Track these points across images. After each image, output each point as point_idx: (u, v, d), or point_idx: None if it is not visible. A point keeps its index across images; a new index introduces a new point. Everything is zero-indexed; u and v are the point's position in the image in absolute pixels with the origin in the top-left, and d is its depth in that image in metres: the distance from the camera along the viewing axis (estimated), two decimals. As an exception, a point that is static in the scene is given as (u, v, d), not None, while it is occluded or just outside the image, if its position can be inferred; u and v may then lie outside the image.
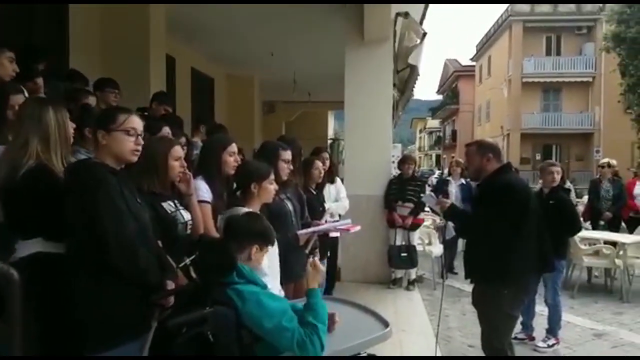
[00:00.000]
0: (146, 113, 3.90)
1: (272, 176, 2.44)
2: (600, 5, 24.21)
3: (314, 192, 3.94)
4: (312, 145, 5.27)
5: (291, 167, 2.95)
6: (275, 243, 2.39)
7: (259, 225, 2.05)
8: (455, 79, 43.88)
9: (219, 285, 1.88)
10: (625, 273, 6.07)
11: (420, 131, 67.21)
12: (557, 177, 4.46)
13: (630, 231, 7.02)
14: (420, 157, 65.94)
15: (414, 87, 9.17)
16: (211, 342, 1.73)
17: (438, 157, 51.19)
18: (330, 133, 18.04)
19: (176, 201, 2.39)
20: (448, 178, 6.74)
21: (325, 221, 3.55)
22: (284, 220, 2.75)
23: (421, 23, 7.47)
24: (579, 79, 28.99)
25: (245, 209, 2.29)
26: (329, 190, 4.73)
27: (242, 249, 1.98)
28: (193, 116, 8.19)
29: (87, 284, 1.86)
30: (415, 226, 6.09)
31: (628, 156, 22.76)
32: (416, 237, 6.24)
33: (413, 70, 7.71)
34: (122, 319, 1.87)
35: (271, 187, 2.43)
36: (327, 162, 4.72)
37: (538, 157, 27.85)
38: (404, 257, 5.87)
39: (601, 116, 27.98)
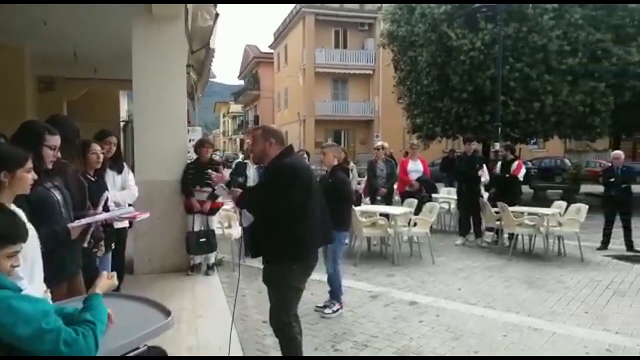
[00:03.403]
0: None
1: (30, 164, 2.08)
2: (379, 5, 27.17)
3: (94, 179, 3.56)
4: (101, 127, 4.76)
5: (58, 154, 2.57)
6: (35, 238, 2.08)
7: None
8: (255, 65, 44.81)
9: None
10: (396, 240, 7.05)
11: (224, 115, 67.10)
12: (328, 160, 4.88)
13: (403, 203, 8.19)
14: (224, 142, 65.95)
15: (209, 69, 9.03)
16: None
17: (242, 141, 51.85)
18: (123, 115, 16.66)
19: None
20: (246, 161, 6.84)
21: (104, 209, 3.22)
22: (50, 212, 2.40)
23: (216, 4, 7.35)
24: (362, 71, 32.54)
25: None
26: (114, 178, 4.35)
27: None
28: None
29: None
30: (214, 210, 6.06)
31: (401, 140, 26.53)
32: (215, 221, 6.22)
33: (208, 52, 7.58)
34: None
35: (28, 176, 2.06)
36: (114, 148, 4.34)
37: (330, 140, 30.37)
38: (203, 242, 5.81)
39: (380, 105, 31.90)
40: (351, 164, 8.39)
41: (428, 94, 15.50)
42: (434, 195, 9.55)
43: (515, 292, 5.65)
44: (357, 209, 7.09)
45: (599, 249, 7.99)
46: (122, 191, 4.42)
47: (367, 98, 33.26)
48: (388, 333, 4.29)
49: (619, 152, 8.31)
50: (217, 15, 6.35)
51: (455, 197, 9.70)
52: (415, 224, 7.31)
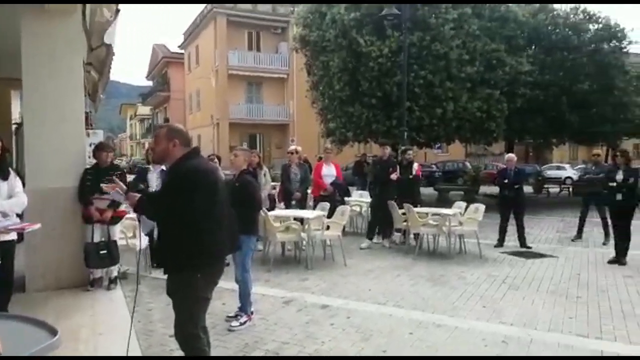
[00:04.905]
0: None
1: None
2: (292, 8, 27.29)
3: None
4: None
5: None
6: None
7: None
8: (164, 66, 43.21)
9: None
10: (310, 244, 7.08)
11: (131, 118, 63.85)
12: (238, 163, 4.72)
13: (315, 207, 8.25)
14: (132, 146, 62.64)
15: (110, 67, 8.53)
16: None
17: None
18: (16, 117, 15.26)
19: None
20: (148, 165, 6.52)
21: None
22: None
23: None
24: (276, 75, 32.50)
25: None
26: (-1, 186, 3.93)
27: None
28: None
29: None
30: (116, 220, 5.70)
31: (316, 144, 26.85)
32: (117, 232, 5.84)
33: (109, 49, 7.14)
34: None
35: None
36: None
37: (245, 145, 30.05)
38: (103, 254, 5.41)
39: (295, 109, 32.08)
40: (264, 168, 8.33)
41: (340, 99, 15.80)
42: (346, 198, 9.74)
43: (421, 289, 5.90)
44: (270, 213, 7.04)
45: (495, 246, 8.60)
46: (9, 200, 3.99)
47: (282, 102, 33.30)
48: (300, 338, 4.27)
49: (511, 155, 9.03)
50: (117, 11, 5.98)
51: (366, 200, 9.97)
52: (328, 227, 7.40)
